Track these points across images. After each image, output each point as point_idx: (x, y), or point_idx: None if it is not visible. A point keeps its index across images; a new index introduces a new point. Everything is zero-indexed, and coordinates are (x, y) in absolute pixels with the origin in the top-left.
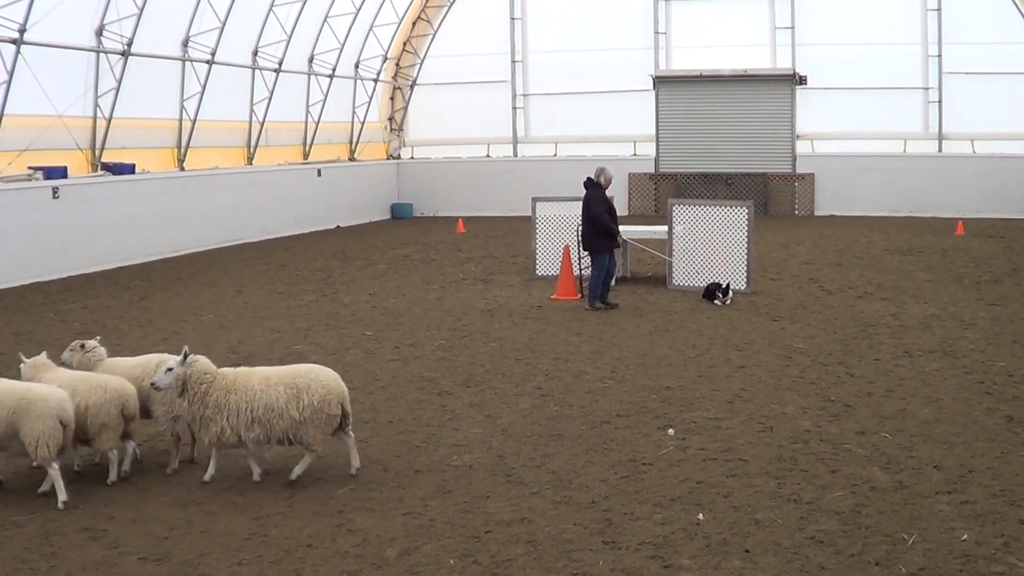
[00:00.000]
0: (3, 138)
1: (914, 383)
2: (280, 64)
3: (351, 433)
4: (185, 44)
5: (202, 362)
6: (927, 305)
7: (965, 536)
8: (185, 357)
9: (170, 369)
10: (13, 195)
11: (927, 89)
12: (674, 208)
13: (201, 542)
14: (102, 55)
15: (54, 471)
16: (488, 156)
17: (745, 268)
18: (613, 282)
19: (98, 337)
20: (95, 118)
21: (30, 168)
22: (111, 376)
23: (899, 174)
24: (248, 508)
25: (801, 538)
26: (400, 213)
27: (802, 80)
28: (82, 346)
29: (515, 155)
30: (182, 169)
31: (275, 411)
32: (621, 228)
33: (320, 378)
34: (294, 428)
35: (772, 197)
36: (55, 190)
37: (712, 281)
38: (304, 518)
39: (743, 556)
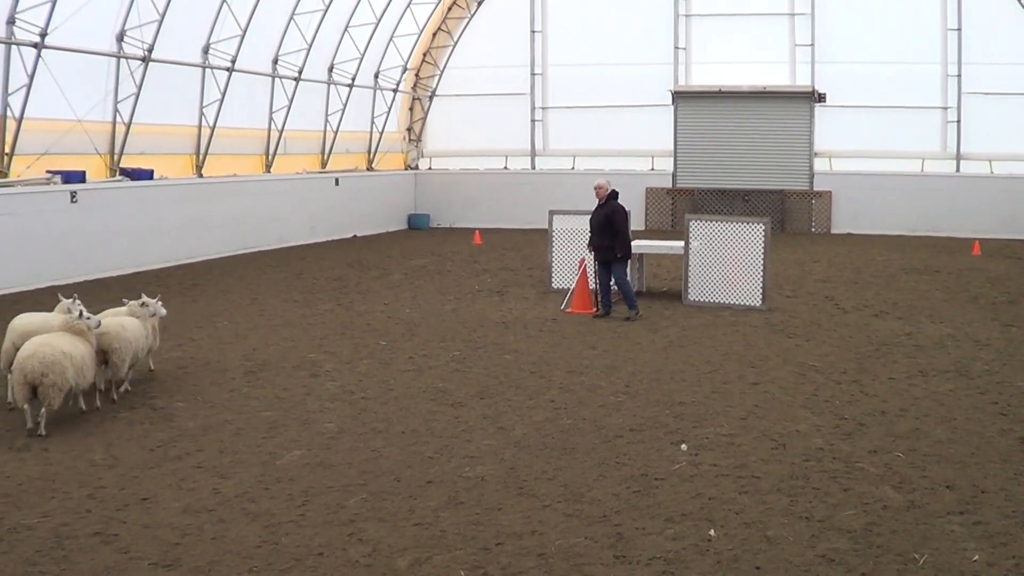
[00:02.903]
0: (23, 142)
1: (928, 403)
2: (300, 73)
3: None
4: (205, 51)
5: None
6: (942, 325)
7: (976, 557)
8: None
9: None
10: (32, 199)
11: (946, 109)
12: (691, 223)
13: (212, 549)
14: (122, 60)
15: None
16: (506, 168)
17: (761, 285)
18: (605, 295)
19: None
20: (114, 123)
21: (49, 172)
22: None
23: (916, 193)
24: (260, 516)
25: (812, 556)
26: (417, 224)
27: (821, 98)
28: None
29: (533, 168)
30: (200, 176)
31: None
32: (636, 243)
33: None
34: None
35: (789, 214)
36: (73, 194)
37: None
38: (315, 527)
39: (754, 573)
